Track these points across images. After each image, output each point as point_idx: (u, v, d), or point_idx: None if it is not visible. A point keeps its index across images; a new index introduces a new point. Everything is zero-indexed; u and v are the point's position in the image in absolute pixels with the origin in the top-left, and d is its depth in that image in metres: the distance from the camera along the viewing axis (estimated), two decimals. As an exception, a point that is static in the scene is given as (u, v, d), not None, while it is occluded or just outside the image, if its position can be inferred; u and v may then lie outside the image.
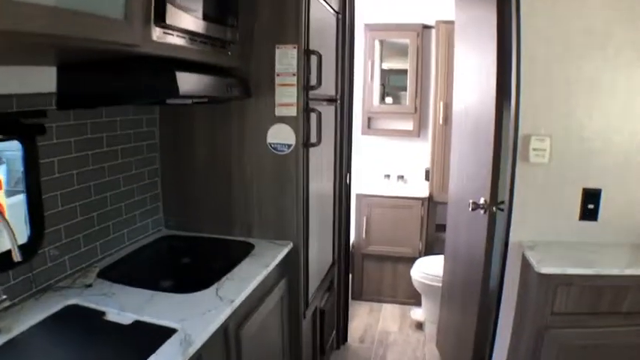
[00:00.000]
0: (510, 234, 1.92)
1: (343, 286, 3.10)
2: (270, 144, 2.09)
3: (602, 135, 1.83)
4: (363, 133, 3.92)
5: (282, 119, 2.06)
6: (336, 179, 2.83)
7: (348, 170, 2.97)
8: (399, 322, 3.56)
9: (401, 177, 3.96)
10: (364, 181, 3.99)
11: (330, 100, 2.61)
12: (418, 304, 3.74)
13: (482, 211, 2.18)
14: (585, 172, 1.86)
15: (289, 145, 2.08)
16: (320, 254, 2.56)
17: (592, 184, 1.84)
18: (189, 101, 1.89)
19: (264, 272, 1.79)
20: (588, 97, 1.82)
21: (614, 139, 1.83)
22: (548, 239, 1.90)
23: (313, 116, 2.14)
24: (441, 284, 3.12)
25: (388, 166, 4.03)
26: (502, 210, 2.11)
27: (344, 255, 3.08)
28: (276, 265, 1.95)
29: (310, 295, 2.32)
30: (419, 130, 3.83)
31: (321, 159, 2.50)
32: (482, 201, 2.18)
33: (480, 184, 2.26)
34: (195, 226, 2.23)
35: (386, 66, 3.99)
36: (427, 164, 3.96)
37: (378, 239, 3.72)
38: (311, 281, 2.32)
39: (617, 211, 1.86)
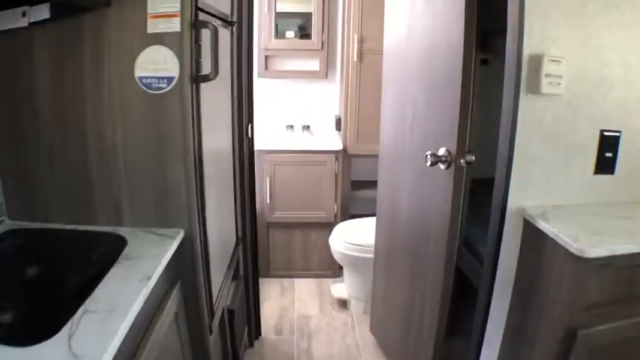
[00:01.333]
0: (509, 197, 1.37)
1: (252, 269, 2.44)
2: (140, 79, 1.33)
3: (624, 59, 1.33)
4: (260, 75, 3.18)
5: (159, 38, 1.30)
6: (235, 132, 2.11)
7: (250, 121, 2.25)
8: (317, 301, 3.00)
9: (306, 127, 3.32)
10: (263, 134, 3.28)
11: (225, 22, 1.85)
12: (336, 275, 3.22)
13: (442, 166, 1.62)
14: (604, 110, 1.35)
15: (170, 79, 1.32)
16: (222, 236, 1.87)
17: (612, 126, 1.35)
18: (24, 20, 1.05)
19: (145, 291, 1.07)
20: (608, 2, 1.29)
21: (638, 65, 1.34)
22: (557, 202, 1.39)
23: (206, 35, 1.39)
24: (368, 255, 2.60)
25: (290, 114, 3.35)
26: (469, 163, 1.57)
27: (250, 229, 2.40)
28: (164, 270, 1.23)
29: (215, 300, 1.63)
30: (326, 71, 3.19)
31: (218, 103, 1.76)
32: (442, 152, 1.62)
33: (437, 130, 1.69)
34: (45, 214, 1.42)
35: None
36: (337, 111, 3.36)
37: (285, 204, 3.08)
38: (214, 279, 1.62)
39: (637, 160, 1.40)
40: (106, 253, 1.28)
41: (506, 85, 1.34)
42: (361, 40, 2.91)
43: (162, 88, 1.33)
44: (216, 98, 1.71)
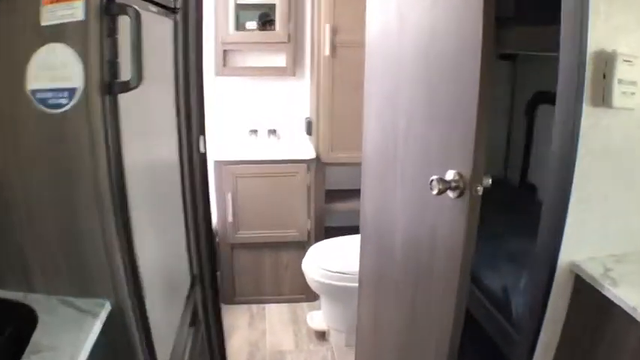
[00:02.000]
0: (561, 248, 1.00)
1: (213, 310, 2.01)
2: (33, 92, 0.92)
3: None
4: (218, 73, 2.75)
5: (58, 33, 0.89)
6: (183, 148, 1.70)
7: (202, 132, 1.83)
8: (292, 331, 2.61)
9: (273, 132, 2.90)
10: (223, 141, 2.85)
11: (163, 8, 1.42)
12: (311, 299, 2.83)
13: (452, 194, 1.25)
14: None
15: (71, 92, 0.91)
16: (169, 284, 1.46)
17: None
18: None
19: None
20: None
21: None
22: (617, 251, 1.03)
23: (123, 23, 0.97)
24: (350, 283, 2.22)
25: (254, 117, 2.93)
26: (480, 190, 1.20)
27: (209, 263, 1.98)
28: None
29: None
30: (294, 67, 2.78)
31: (152, 115, 1.34)
32: (451, 175, 1.25)
33: (442, 145, 1.31)
34: None
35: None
36: (308, 112, 2.95)
37: (251, 222, 2.66)
38: (160, 349, 1.20)
39: None
40: (8, 339, 0.89)
41: (561, 95, 0.96)
42: (334, 31, 2.51)
43: (61, 105, 0.92)
44: (148, 109, 1.29)
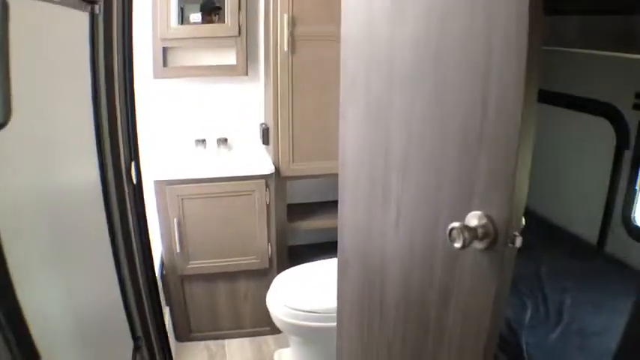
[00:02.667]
0: None
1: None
2: None
3: None
4: (157, 75, 2.31)
5: None
6: (109, 174, 1.29)
7: (133, 156, 1.41)
8: (256, 376, 2.24)
9: (223, 141, 2.49)
10: (165, 155, 2.42)
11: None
12: (277, 331, 2.45)
13: (480, 245, 0.91)
14: None
15: None
16: (91, 337, 1.06)
17: None
18: None
19: None
20: None
21: None
22: None
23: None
24: (324, 323, 1.88)
25: (201, 125, 2.51)
26: (518, 240, 0.87)
27: (154, 319, 1.58)
28: None
29: None
30: (246, 65, 2.37)
31: (48, 135, 0.94)
32: (476, 220, 0.91)
33: (463, 178, 0.97)
34: None
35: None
36: (263, 118, 2.57)
37: (202, 250, 2.26)
38: None
39: None
40: None
41: None
42: (293, 23, 2.12)
43: None
44: (46, 128, 0.89)
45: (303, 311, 1.90)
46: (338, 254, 1.59)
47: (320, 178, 2.46)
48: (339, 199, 1.53)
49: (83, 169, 1.18)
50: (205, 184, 2.15)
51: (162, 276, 2.27)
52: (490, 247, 0.90)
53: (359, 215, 1.42)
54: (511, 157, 0.84)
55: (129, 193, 1.36)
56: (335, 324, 1.79)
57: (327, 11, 2.12)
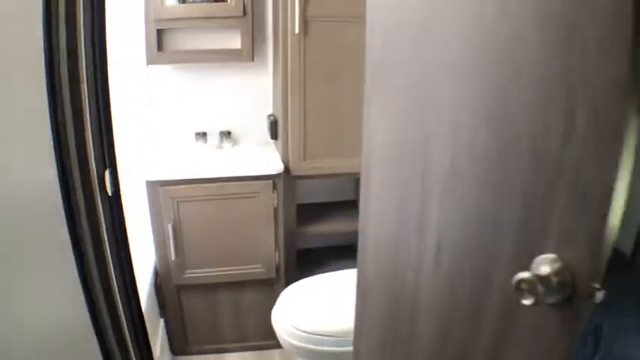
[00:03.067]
0: None
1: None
2: None
3: None
4: (151, 61, 2.04)
5: None
6: (75, 183, 1.04)
7: (108, 163, 1.15)
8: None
9: (226, 135, 2.23)
10: (159, 151, 2.17)
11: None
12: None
13: (552, 299, 0.65)
14: None
15: None
16: None
17: None
18: None
19: None
20: None
21: None
22: None
23: None
24: (339, 348, 1.63)
25: (202, 117, 2.25)
26: (599, 294, 0.61)
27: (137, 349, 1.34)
28: None
29: None
30: (252, 49, 2.09)
31: None
32: (547, 267, 0.65)
33: (533, 211, 0.70)
34: None
35: None
36: (271, 109, 2.30)
37: (201, 259, 2.01)
38: None
39: None
40: None
41: None
42: (305, 1, 1.84)
43: None
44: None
45: (313, 334, 1.65)
46: (357, 275, 1.33)
47: (334, 178, 2.20)
48: (360, 211, 1.26)
49: (31, 175, 0.94)
50: (204, 184, 1.90)
51: (157, 285, 2.04)
52: (564, 302, 0.65)
53: (386, 236, 1.16)
54: (603, 190, 0.57)
55: (103, 205, 1.10)
56: (349, 349, 1.56)
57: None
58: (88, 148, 1.04)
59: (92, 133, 1.07)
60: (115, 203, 1.16)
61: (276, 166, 1.96)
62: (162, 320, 2.12)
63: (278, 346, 2.21)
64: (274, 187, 1.96)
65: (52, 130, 0.95)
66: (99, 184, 1.09)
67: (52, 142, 0.95)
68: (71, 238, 1.01)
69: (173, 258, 1.95)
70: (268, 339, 2.19)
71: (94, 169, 1.07)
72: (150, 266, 2.03)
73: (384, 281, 1.20)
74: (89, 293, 1.10)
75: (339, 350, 1.65)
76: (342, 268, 2.27)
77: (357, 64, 1.98)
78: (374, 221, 1.21)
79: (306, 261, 2.36)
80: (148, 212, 1.91)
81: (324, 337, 1.65)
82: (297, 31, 1.87)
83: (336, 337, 1.64)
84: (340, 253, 2.48)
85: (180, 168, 1.94)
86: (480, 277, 0.81)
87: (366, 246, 1.27)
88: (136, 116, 2.15)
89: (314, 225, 2.23)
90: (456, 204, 0.85)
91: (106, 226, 1.13)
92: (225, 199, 1.94)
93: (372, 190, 1.19)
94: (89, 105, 1.06)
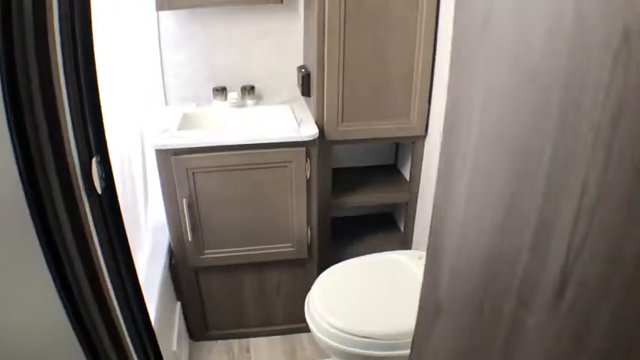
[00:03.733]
0: None
1: None
2: None
3: None
4: (162, 6, 1.68)
5: None
6: (52, 179, 0.73)
7: (97, 149, 0.84)
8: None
9: (249, 90, 1.90)
10: (172, 112, 1.86)
11: None
12: (313, 335, 1.97)
13: None
14: None
15: None
16: None
17: None
18: None
19: None
20: None
21: None
22: None
23: None
24: (389, 352, 1.37)
25: (221, 70, 1.91)
26: None
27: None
28: None
29: None
30: (280, -14, 1.73)
31: None
32: None
33: None
34: None
35: None
36: (301, 60, 1.95)
37: (221, 237, 1.73)
38: None
39: None
40: None
41: None
42: None
43: None
44: None
45: (353, 335, 1.38)
46: (423, 287, 1.03)
47: (376, 142, 1.87)
48: (435, 195, 0.94)
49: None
50: (225, 153, 1.59)
51: (171, 266, 1.78)
52: None
53: (477, 243, 0.84)
54: None
55: (90, 208, 0.80)
56: (395, 352, 1.30)
57: None
58: (63, 126, 0.73)
59: (70, 106, 0.76)
60: (107, 203, 0.85)
61: (309, 130, 1.63)
62: (178, 303, 1.87)
63: (306, 329, 1.97)
64: (307, 154, 1.64)
65: (6, 101, 0.64)
66: (83, 178, 0.79)
67: (5, 117, 0.65)
68: (45, 253, 0.72)
69: (190, 239, 1.67)
70: (296, 322, 1.95)
71: (76, 156, 0.77)
72: (164, 244, 1.76)
73: (468, 301, 0.89)
74: (75, 307, 0.82)
75: (383, 355, 1.39)
76: (379, 241, 1.99)
77: (406, 2, 1.62)
78: (457, 219, 0.89)
79: (339, 232, 2.08)
80: (159, 185, 1.63)
81: (366, 340, 1.38)
82: (337, -36, 1.49)
83: (379, 340, 1.37)
84: (377, 222, 2.19)
85: (195, 133, 1.62)
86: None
87: (438, 249, 0.95)
88: (143, 70, 1.82)
89: (350, 195, 1.93)
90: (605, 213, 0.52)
91: (97, 234, 0.84)
92: (250, 169, 1.63)
93: (454, 168, 0.86)
94: (64, 64, 0.74)
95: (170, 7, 1.71)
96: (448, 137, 0.82)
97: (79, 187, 0.77)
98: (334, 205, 1.89)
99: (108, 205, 0.85)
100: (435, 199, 0.90)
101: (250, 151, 1.59)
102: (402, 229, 2.08)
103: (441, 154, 0.86)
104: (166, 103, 1.93)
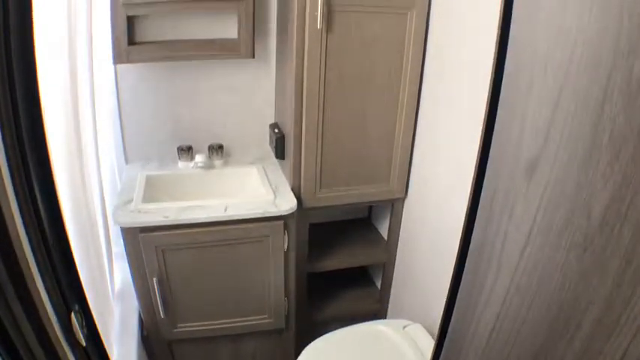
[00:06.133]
0: None
1: None
2: None
3: None
4: (120, 59, 1.51)
5: None
6: None
7: (73, 299, 0.71)
8: None
9: (217, 149, 1.76)
10: (134, 176, 1.70)
11: None
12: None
13: None
14: None
15: None
16: None
17: None
18: None
19: None
20: None
21: None
22: None
23: None
24: None
25: (186, 128, 1.77)
26: None
27: None
28: None
29: None
30: (252, 42, 1.59)
31: None
32: None
33: None
34: None
35: None
36: (273, 117, 1.84)
37: (196, 311, 1.61)
38: None
39: None
40: None
41: None
42: (333, -14, 1.37)
43: None
44: None
45: None
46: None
47: (354, 206, 1.80)
48: (454, 271, 0.86)
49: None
50: (197, 229, 1.46)
51: (143, 337, 1.63)
52: None
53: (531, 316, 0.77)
54: None
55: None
56: None
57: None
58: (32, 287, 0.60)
59: (38, 262, 0.63)
60: (94, 353, 0.73)
61: (287, 203, 1.53)
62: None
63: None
64: (285, 228, 1.54)
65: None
66: (64, 333, 0.66)
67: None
68: None
69: (162, 315, 1.54)
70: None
71: (52, 312, 0.64)
72: (133, 312, 1.61)
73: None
74: None
75: None
76: (357, 299, 1.95)
77: (389, 65, 1.55)
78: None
79: (315, 289, 1.99)
80: (126, 262, 1.48)
81: None
82: (319, 25, 1.39)
83: None
84: (352, 277, 2.12)
85: (163, 207, 1.48)
86: None
87: (462, 332, 0.87)
88: (102, 126, 1.65)
89: (327, 257, 1.85)
90: None
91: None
92: (225, 244, 1.51)
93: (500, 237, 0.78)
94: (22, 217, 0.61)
95: (129, 61, 1.55)
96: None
97: (58, 344, 0.64)
98: (311, 267, 1.80)
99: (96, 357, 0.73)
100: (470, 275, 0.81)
101: (224, 227, 1.47)
102: (379, 287, 2.02)
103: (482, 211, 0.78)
104: (127, 160, 1.77)
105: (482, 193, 0.79)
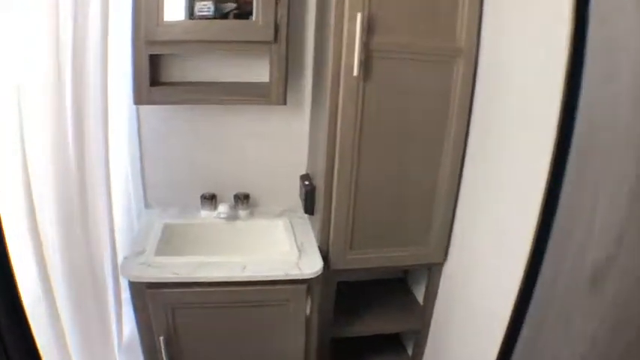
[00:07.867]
0: None
1: None
2: None
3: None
4: (140, 100, 1.42)
5: None
6: None
7: None
8: None
9: (242, 199, 1.64)
10: (151, 227, 1.59)
11: None
12: None
13: None
14: None
15: None
16: None
17: None
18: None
19: None
20: None
21: None
22: None
23: None
24: None
25: (211, 175, 1.67)
26: None
27: None
28: None
29: None
30: (284, 88, 1.49)
31: None
32: None
33: None
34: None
35: None
36: (304, 167, 1.72)
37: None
38: None
39: None
40: None
41: None
42: (370, 28, 1.25)
43: None
44: None
45: None
46: None
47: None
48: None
49: None
50: (210, 288, 1.32)
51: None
52: None
53: None
54: None
55: None
56: None
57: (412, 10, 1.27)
58: None
59: None
60: None
61: (312, 265, 1.37)
62: None
63: None
64: (309, 292, 1.38)
65: None
66: None
67: None
68: None
69: (164, 381, 1.39)
70: None
71: None
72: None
73: None
74: None
75: None
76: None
77: (432, 118, 1.41)
78: None
79: (341, 352, 1.80)
80: (133, 319, 1.35)
81: None
82: (356, 71, 1.27)
83: None
84: (382, 342, 1.92)
85: (176, 262, 1.35)
86: None
87: None
88: (118, 175, 1.56)
89: (354, 321, 1.68)
90: None
91: None
92: (240, 307, 1.36)
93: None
94: None
95: (150, 102, 1.46)
96: None
97: None
98: (337, 332, 1.62)
99: None
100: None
101: (241, 288, 1.33)
102: (410, 355, 1.81)
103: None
104: (146, 204, 1.67)
105: (534, 293, 0.70)
